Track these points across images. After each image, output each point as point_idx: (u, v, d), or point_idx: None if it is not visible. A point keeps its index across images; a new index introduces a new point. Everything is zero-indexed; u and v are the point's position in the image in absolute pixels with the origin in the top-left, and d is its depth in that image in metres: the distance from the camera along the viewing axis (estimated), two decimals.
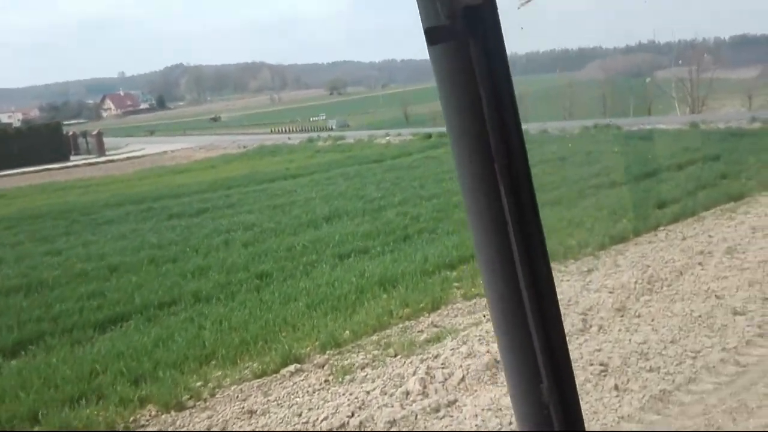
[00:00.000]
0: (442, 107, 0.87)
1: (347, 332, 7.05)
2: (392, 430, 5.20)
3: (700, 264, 8.67)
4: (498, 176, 0.85)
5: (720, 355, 5.90)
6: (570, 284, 8.44)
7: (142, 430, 5.61)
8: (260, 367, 6.39)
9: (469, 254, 9.62)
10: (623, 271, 8.67)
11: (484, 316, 7.57)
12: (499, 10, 0.83)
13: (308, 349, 6.78)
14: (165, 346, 6.93)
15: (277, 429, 5.40)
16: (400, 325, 7.36)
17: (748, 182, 13.65)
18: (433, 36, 0.81)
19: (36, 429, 5.70)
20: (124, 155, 42.28)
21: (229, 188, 21.10)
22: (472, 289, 8.33)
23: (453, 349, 6.56)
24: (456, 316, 7.67)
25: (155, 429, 5.60)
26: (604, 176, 15.02)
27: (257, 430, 5.43)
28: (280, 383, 6.18)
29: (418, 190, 16.14)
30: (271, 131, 53.09)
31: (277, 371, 6.33)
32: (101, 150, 44.01)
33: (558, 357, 0.92)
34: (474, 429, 5.08)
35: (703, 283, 7.90)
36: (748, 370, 5.59)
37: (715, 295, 7.42)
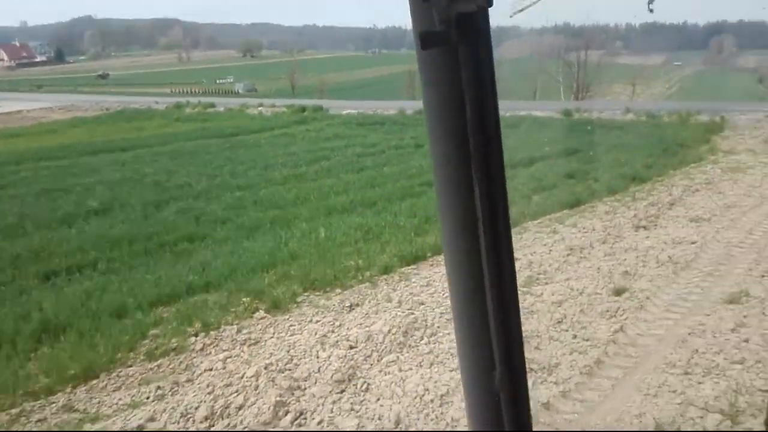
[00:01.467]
0: (425, 108, 0.85)
1: None
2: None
3: None
4: (474, 178, 0.85)
5: None
6: (313, 330, 6.36)
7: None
8: None
9: (207, 281, 7.36)
10: (387, 311, 6.69)
11: (158, 387, 5.34)
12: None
13: None
14: None
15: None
16: (15, 410, 4.97)
17: (594, 184, 12.23)
18: (426, 40, 0.78)
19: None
20: None
21: (39, 160, 17.85)
22: (172, 340, 6.06)
23: None
24: (118, 389, 5.36)
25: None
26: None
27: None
28: None
29: (237, 177, 13.68)
30: (171, 92, 49.41)
31: None
32: None
33: (513, 348, 0.93)
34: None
35: None
36: None
37: None
